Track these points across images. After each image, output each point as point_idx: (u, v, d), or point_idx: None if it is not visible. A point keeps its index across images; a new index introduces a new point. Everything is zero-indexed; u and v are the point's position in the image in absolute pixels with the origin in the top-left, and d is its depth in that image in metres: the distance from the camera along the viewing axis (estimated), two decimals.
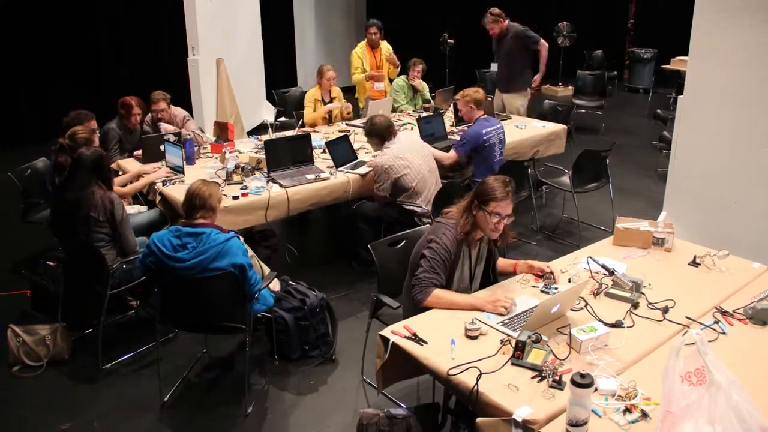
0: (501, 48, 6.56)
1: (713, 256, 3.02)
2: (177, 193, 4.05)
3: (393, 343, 2.39)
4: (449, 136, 5.44)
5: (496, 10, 6.42)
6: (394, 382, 2.63)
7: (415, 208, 4.27)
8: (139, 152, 4.77)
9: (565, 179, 5.23)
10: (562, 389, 2.05)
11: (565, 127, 5.92)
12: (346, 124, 5.89)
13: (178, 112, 5.27)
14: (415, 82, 6.46)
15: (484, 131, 4.71)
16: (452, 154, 4.79)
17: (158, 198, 4.20)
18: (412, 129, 5.60)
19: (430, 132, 5.28)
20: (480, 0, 12.09)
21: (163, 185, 4.20)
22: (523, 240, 5.20)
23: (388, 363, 2.43)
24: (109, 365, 3.48)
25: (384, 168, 4.23)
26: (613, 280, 2.74)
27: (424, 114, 5.99)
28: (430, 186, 4.31)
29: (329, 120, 5.95)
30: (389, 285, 3.13)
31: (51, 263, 3.80)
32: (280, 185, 4.16)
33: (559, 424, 1.91)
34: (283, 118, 6.19)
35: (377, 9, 12.03)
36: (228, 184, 4.14)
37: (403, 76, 6.55)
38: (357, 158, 4.70)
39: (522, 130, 5.71)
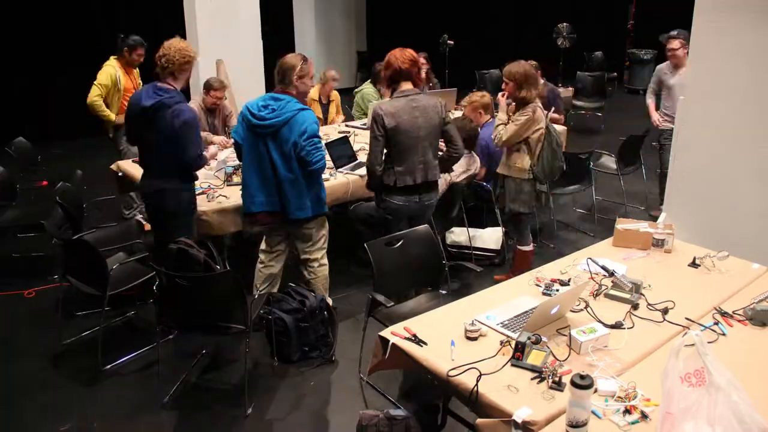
0: None
1: (713, 257, 3.02)
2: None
3: (392, 343, 2.39)
4: None
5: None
6: (383, 369, 2.62)
7: None
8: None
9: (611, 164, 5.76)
10: (561, 390, 2.05)
11: (565, 128, 5.93)
12: (346, 125, 5.89)
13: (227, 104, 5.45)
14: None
15: (491, 135, 4.72)
16: (481, 172, 4.79)
17: None
18: None
19: None
20: (480, 0, 12.16)
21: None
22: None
23: (383, 359, 2.44)
24: (109, 366, 3.48)
25: None
26: (612, 282, 2.73)
27: None
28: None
29: (324, 121, 5.96)
30: (385, 284, 3.13)
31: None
32: None
33: (559, 425, 1.91)
34: None
35: (377, 9, 12.06)
36: (228, 185, 4.14)
37: (370, 86, 6.20)
38: (357, 159, 4.69)
39: None
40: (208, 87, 5.19)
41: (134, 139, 3.64)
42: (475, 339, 2.37)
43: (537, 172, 3.95)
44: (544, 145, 3.93)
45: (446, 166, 3.83)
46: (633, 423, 1.91)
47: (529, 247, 4.23)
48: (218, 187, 4.11)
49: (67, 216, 3.95)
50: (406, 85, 3.50)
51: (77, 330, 3.77)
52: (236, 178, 4.19)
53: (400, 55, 3.46)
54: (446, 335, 2.38)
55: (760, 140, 3.67)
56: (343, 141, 4.80)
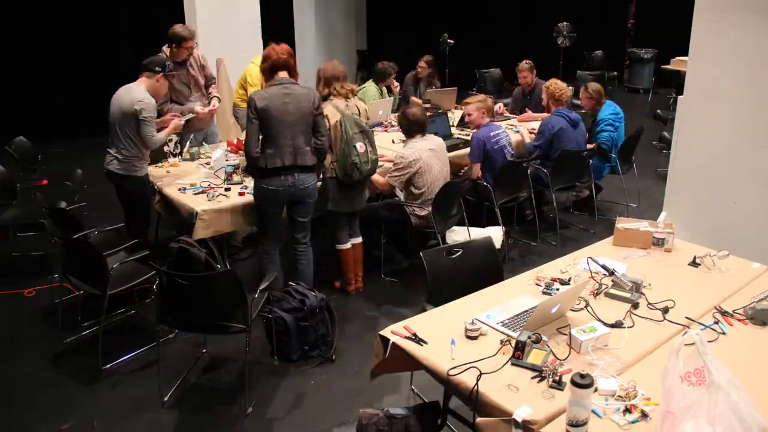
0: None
1: (713, 256, 3.02)
2: (177, 193, 4.05)
3: (392, 343, 2.39)
4: (454, 137, 5.53)
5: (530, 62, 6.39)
6: (386, 373, 2.63)
7: (415, 209, 4.29)
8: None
9: None
10: (562, 389, 2.05)
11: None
12: None
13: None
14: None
15: (491, 134, 4.83)
16: (475, 169, 4.86)
17: (157, 198, 4.18)
18: None
19: (434, 131, 5.29)
20: (480, 0, 12.16)
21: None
22: (524, 240, 5.21)
23: (383, 360, 2.44)
24: (109, 365, 3.48)
25: (409, 161, 4.21)
26: (613, 281, 2.73)
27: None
28: (434, 192, 4.28)
29: None
30: (437, 294, 2.86)
31: None
32: None
33: (559, 424, 1.91)
34: None
35: (377, 8, 12.05)
36: (228, 184, 4.14)
37: (372, 85, 6.35)
38: None
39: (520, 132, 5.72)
40: (179, 40, 4.69)
41: None
42: (475, 338, 2.37)
43: (337, 171, 3.95)
44: (340, 142, 3.89)
45: (318, 155, 3.79)
46: (633, 422, 1.91)
47: (344, 246, 4.22)
48: (218, 186, 4.10)
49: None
50: (282, 74, 3.65)
51: (77, 329, 3.77)
52: (236, 177, 4.19)
53: (279, 48, 3.66)
54: (446, 334, 2.38)
55: (760, 140, 3.68)
56: None
